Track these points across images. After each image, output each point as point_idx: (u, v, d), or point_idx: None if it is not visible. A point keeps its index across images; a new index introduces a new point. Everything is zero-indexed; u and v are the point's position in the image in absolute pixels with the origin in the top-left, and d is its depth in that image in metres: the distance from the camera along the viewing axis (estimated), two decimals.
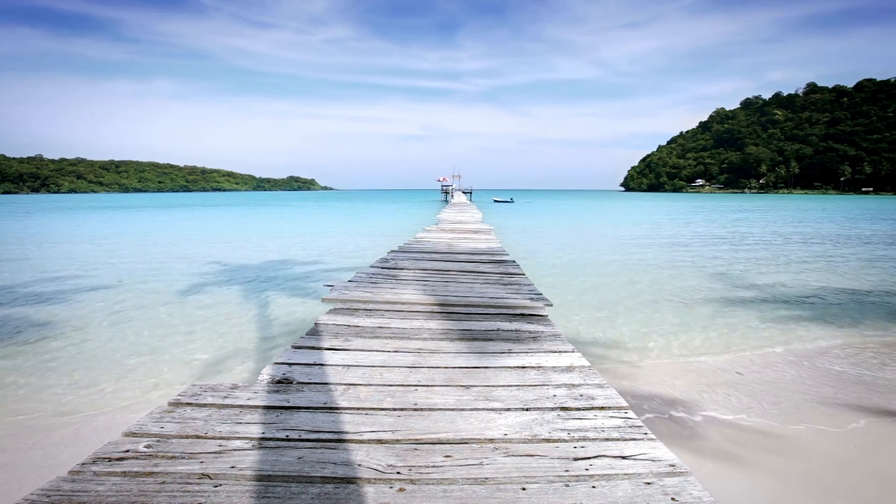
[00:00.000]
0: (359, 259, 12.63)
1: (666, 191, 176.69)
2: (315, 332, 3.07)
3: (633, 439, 1.74)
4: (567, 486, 1.46)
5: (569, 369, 2.46)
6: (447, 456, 1.62)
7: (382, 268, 5.63)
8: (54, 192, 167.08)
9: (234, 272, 10.85)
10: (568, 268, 11.58)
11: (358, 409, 1.98)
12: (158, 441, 1.67)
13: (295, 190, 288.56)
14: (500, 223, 24.47)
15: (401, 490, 1.43)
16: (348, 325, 3.24)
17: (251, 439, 1.70)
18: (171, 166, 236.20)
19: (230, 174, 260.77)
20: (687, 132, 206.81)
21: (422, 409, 1.98)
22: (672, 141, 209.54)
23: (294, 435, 1.74)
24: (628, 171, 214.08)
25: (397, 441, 1.72)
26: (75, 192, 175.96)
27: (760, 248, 15.90)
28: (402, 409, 1.97)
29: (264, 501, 1.36)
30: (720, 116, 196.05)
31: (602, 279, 10.09)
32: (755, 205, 56.48)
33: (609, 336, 6.16)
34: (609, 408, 2.00)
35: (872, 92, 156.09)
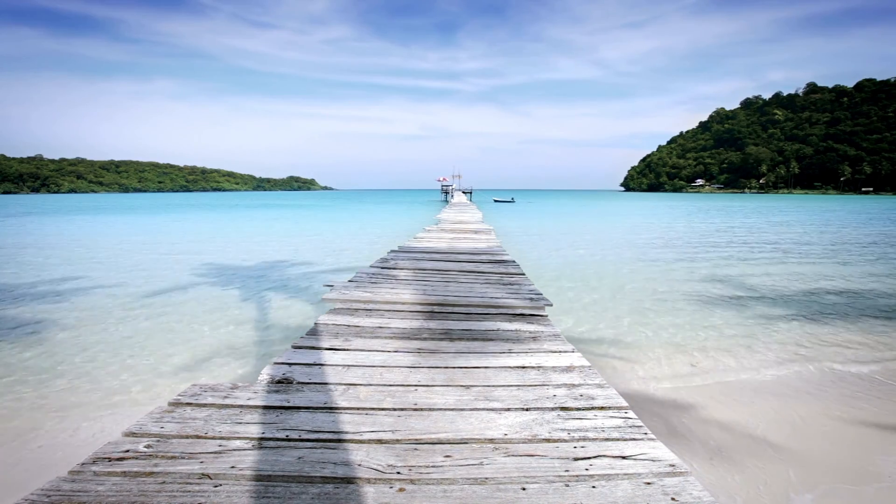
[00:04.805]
0: (359, 259, 12.63)
1: (666, 191, 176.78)
2: (315, 331, 3.07)
3: (634, 439, 1.74)
4: (567, 486, 1.46)
5: (569, 369, 2.45)
6: (447, 456, 1.62)
7: (382, 268, 5.63)
8: (54, 192, 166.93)
9: (233, 273, 10.85)
10: (569, 268, 11.58)
11: (358, 409, 1.98)
12: (158, 441, 1.67)
13: (295, 190, 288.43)
14: (504, 226, 24.46)
15: (401, 490, 1.43)
16: (348, 325, 3.24)
17: (251, 439, 1.70)
18: (171, 166, 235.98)
19: (230, 174, 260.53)
20: (687, 132, 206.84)
21: (422, 409, 1.98)
22: (672, 141, 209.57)
23: (294, 435, 1.73)
24: (628, 171, 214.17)
25: (397, 441, 1.72)
26: (75, 192, 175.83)
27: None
28: (402, 409, 1.97)
29: (264, 501, 1.36)
30: (720, 116, 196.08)
31: (603, 279, 10.09)
32: (770, 205, 56.00)
33: (610, 336, 6.16)
34: (609, 408, 2.00)
35: (872, 92, 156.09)
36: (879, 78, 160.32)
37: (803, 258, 13.34)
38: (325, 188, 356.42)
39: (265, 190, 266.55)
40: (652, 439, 1.74)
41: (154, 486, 1.42)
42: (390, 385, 2.24)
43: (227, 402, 2.00)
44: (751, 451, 3.34)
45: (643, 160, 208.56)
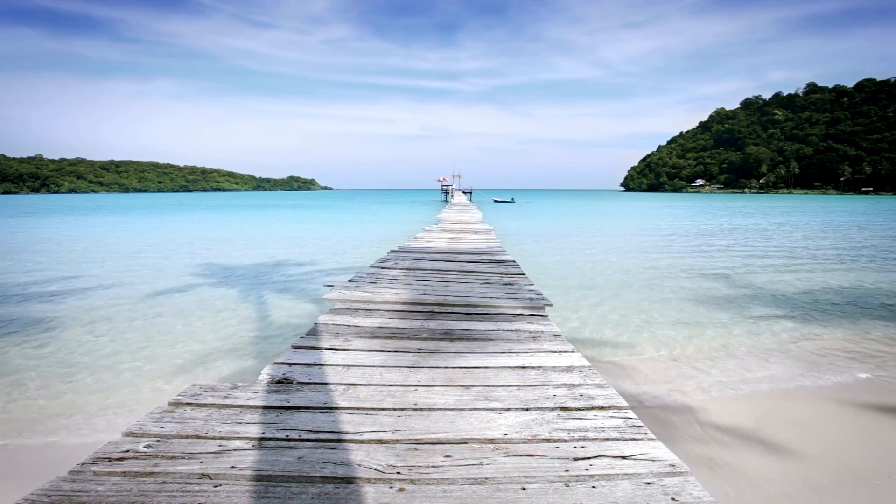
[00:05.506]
0: (359, 259, 12.63)
1: (666, 191, 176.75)
2: (315, 332, 3.07)
3: (634, 439, 1.74)
4: (567, 486, 1.46)
5: (569, 369, 2.45)
6: (447, 456, 1.61)
7: (382, 268, 5.63)
8: (54, 192, 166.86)
9: (233, 273, 10.85)
10: (570, 268, 11.58)
11: (358, 409, 1.98)
12: (158, 441, 1.67)
13: (295, 190, 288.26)
14: (506, 227, 24.44)
15: (401, 490, 1.43)
16: (348, 325, 3.24)
17: (251, 439, 1.70)
18: (171, 166, 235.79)
19: (230, 174, 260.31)
20: (687, 132, 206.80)
21: (422, 409, 1.98)
22: (672, 141, 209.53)
23: (294, 435, 1.73)
24: (628, 171, 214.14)
25: (397, 441, 1.72)
26: (75, 192, 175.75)
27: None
28: (402, 409, 1.97)
29: (264, 501, 1.36)
30: (720, 116, 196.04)
31: (605, 279, 10.09)
32: (772, 205, 55.56)
33: (610, 336, 6.16)
34: (609, 408, 2.00)
35: (872, 92, 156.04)
36: (879, 78, 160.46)
37: (810, 260, 13.33)
38: (325, 188, 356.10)
39: (265, 190, 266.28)
40: (652, 439, 1.74)
41: (154, 486, 1.42)
42: (390, 385, 2.24)
43: (227, 402, 2.00)
44: (751, 452, 3.34)
45: (643, 160, 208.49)
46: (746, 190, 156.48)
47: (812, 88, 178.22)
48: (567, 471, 1.53)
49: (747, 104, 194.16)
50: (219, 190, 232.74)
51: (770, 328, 6.48)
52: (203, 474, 1.48)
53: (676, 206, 54.16)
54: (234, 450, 1.62)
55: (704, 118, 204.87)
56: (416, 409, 1.98)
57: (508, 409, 1.98)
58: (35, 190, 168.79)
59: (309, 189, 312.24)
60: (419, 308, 3.78)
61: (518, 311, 3.72)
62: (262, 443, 1.68)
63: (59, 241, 18.06)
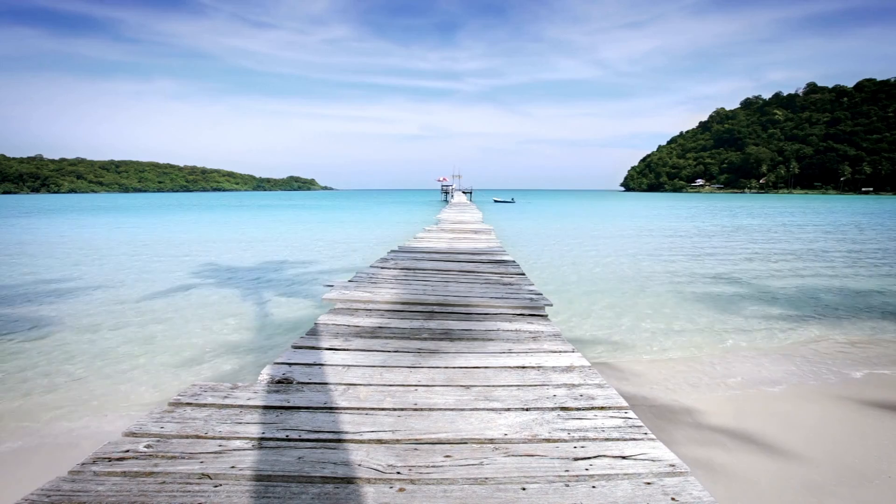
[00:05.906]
0: (359, 259, 12.63)
1: (666, 191, 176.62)
2: (315, 331, 3.07)
3: (634, 439, 1.74)
4: (567, 486, 1.46)
5: (569, 369, 2.45)
6: (447, 456, 1.61)
7: (382, 268, 5.63)
8: (54, 192, 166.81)
9: (233, 273, 10.85)
10: (575, 269, 11.58)
11: (358, 409, 1.98)
12: (158, 441, 1.67)
13: (295, 190, 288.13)
14: (507, 228, 24.42)
15: (401, 490, 1.43)
16: (348, 325, 3.24)
17: (251, 439, 1.70)
18: (171, 166, 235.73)
19: (230, 174, 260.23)
20: (687, 132, 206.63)
21: (422, 409, 1.98)
22: (672, 141, 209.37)
23: (294, 435, 1.73)
24: (628, 171, 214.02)
25: (397, 441, 1.72)
26: (75, 192, 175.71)
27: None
28: (402, 409, 1.97)
29: (264, 501, 1.35)
30: (720, 116, 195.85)
31: (611, 282, 10.08)
32: (773, 205, 55.34)
33: (612, 337, 6.16)
34: (609, 408, 2.00)
35: (872, 92, 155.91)
36: (879, 78, 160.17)
37: (814, 261, 13.32)
38: (325, 188, 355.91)
39: (265, 190, 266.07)
40: (652, 439, 1.74)
41: (154, 486, 1.42)
42: (390, 385, 2.24)
43: (227, 402, 2.00)
44: (752, 453, 3.34)
45: (643, 160, 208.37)
46: (746, 190, 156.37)
47: (812, 88, 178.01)
48: (567, 471, 1.53)
49: (747, 104, 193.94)
50: (219, 190, 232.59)
51: (772, 329, 6.48)
52: (203, 474, 1.48)
53: (678, 206, 54.13)
54: (234, 450, 1.62)
55: (704, 118, 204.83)
56: (416, 409, 1.97)
57: (508, 409, 1.98)
58: (35, 190, 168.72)
59: (309, 189, 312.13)
60: (419, 308, 3.78)
61: (518, 311, 3.72)
62: (262, 443, 1.68)
63: (58, 242, 18.06)
